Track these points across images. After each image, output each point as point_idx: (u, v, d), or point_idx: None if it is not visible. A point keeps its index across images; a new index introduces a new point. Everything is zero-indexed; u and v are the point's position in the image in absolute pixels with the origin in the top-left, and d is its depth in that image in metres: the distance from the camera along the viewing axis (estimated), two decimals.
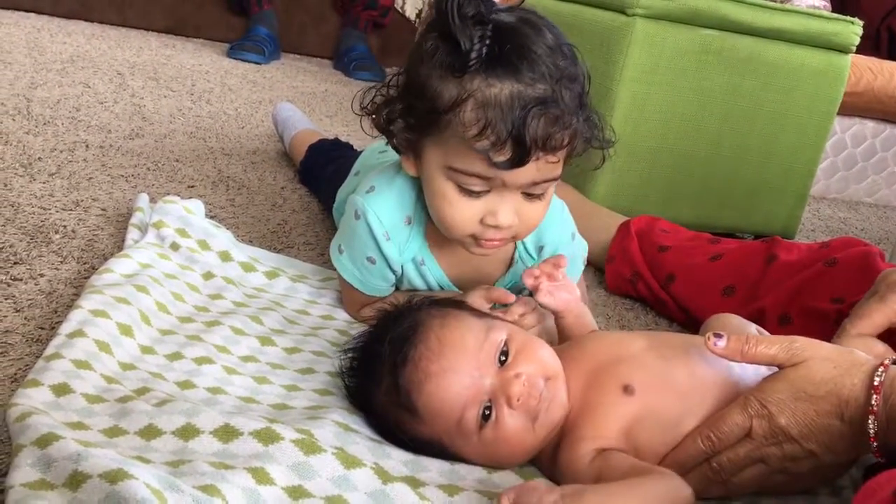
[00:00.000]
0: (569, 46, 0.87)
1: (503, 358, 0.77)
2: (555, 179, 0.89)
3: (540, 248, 1.02)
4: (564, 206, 1.03)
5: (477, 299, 0.93)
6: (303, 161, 1.53)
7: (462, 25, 0.82)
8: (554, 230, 1.01)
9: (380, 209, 0.96)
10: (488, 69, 0.82)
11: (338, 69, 3.00)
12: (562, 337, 0.91)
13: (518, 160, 0.82)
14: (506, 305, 0.95)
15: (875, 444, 0.69)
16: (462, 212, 0.89)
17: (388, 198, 0.96)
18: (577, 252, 1.06)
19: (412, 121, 0.88)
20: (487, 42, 0.82)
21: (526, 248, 1.02)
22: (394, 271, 1.00)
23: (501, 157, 0.82)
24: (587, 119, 0.88)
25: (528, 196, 0.89)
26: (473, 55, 0.81)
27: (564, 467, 0.76)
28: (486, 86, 0.82)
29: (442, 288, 1.03)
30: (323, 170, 1.41)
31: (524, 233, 0.94)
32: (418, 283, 1.02)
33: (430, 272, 1.01)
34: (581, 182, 1.58)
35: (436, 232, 0.97)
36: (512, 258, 1.02)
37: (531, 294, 0.89)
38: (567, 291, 0.89)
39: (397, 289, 1.04)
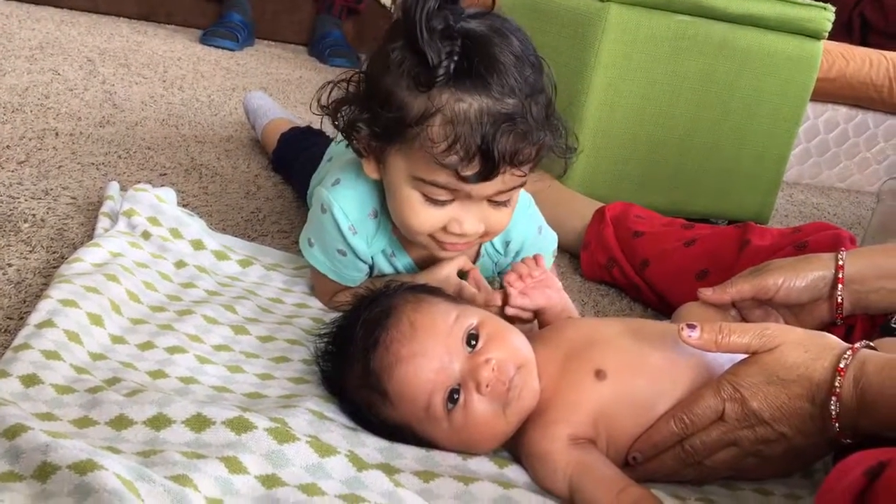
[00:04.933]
0: (535, 54, 0.87)
1: (473, 342, 0.77)
2: (520, 187, 0.90)
3: (506, 244, 1.02)
4: (531, 200, 1.03)
5: (444, 272, 0.94)
6: (275, 150, 1.51)
7: (430, 40, 0.80)
8: (520, 225, 1.01)
9: (345, 203, 0.95)
10: (457, 83, 0.81)
11: (313, 56, 2.97)
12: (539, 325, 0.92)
13: (486, 174, 0.82)
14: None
15: (837, 425, 0.70)
16: (426, 219, 0.89)
17: (354, 191, 0.95)
18: (545, 246, 1.06)
19: (377, 129, 0.87)
20: (456, 57, 0.81)
21: (492, 243, 1.02)
22: (365, 262, 0.99)
23: (469, 171, 0.82)
24: (552, 129, 0.88)
25: (494, 203, 0.89)
26: (441, 71, 0.81)
27: (533, 448, 0.76)
28: (454, 100, 0.81)
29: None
30: (296, 158, 1.40)
31: (489, 237, 0.94)
32: (389, 272, 1.02)
33: (401, 264, 1.01)
34: (556, 169, 1.57)
35: None
36: (478, 252, 1.03)
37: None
38: (545, 286, 0.89)
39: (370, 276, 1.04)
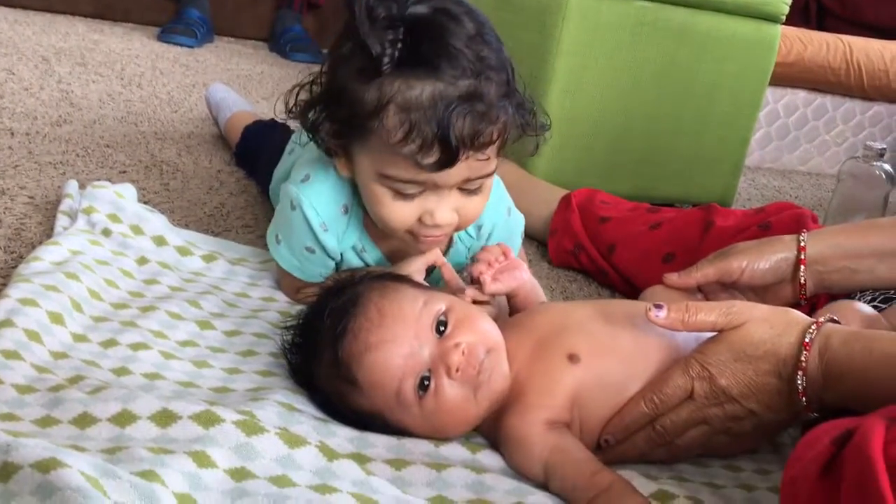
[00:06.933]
0: (491, 33, 0.85)
1: (442, 328, 0.76)
2: (490, 175, 0.88)
3: (478, 228, 1.02)
4: (499, 182, 1.03)
5: (414, 266, 0.91)
6: (238, 143, 1.49)
7: (371, 29, 0.80)
8: (490, 208, 1.00)
9: (316, 200, 0.94)
10: (407, 70, 0.80)
11: (274, 51, 2.94)
12: (514, 313, 0.91)
13: (446, 161, 0.81)
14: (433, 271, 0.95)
15: (804, 398, 0.71)
16: (398, 214, 0.87)
17: (324, 187, 0.94)
18: (513, 227, 1.06)
19: (337, 127, 0.86)
20: (399, 45, 0.80)
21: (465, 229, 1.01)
22: (333, 258, 0.98)
23: (429, 160, 0.81)
24: (518, 106, 0.87)
25: (465, 192, 0.88)
26: (385, 59, 0.80)
27: (511, 433, 0.76)
28: (406, 88, 0.80)
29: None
30: (260, 151, 1.38)
31: (464, 226, 0.93)
32: (359, 266, 1.00)
33: (371, 258, 1.00)
34: (522, 157, 1.58)
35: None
36: (451, 239, 1.02)
37: (476, 282, 0.88)
38: (513, 268, 0.89)
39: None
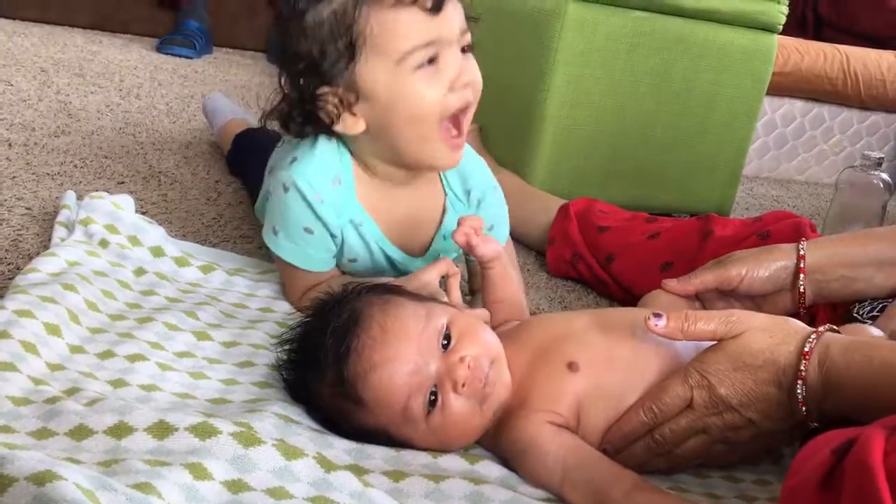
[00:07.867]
0: None
1: (445, 342, 0.76)
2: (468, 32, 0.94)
3: (467, 193, 1.04)
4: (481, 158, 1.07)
5: (427, 276, 0.91)
6: (229, 151, 1.49)
7: None
8: (478, 174, 1.04)
9: (307, 174, 0.95)
10: None
11: (272, 62, 2.95)
12: (486, 289, 0.93)
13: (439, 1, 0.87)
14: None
15: (804, 408, 0.71)
16: (433, 92, 0.91)
17: (312, 163, 0.96)
18: (501, 205, 1.09)
19: (332, 68, 0.90)
20: None
21: (455, 195, 1.04)
22: (333, 236, 0.99)
23: (429, 3, 0.87)
24: None
25: (464, 51, 0.93)
26: None
27: (520, 436, 0.76)
28: None
29: (382, 249, 1.02)
30: (249, 161, 1.38)
31: (478, 93, 0.95)
32: (359, 246, 1.01)
33: (369, 233, 1.01)
34: (520, 167, 1.58)
35: (366, 191, 0.99)
36: (444, 207, 1.04)
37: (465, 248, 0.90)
38: (489, 239, 0.91)
39: (337, 263, 1.04)
